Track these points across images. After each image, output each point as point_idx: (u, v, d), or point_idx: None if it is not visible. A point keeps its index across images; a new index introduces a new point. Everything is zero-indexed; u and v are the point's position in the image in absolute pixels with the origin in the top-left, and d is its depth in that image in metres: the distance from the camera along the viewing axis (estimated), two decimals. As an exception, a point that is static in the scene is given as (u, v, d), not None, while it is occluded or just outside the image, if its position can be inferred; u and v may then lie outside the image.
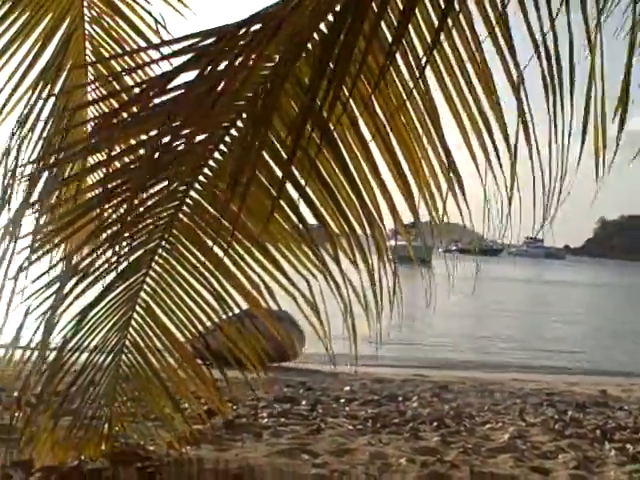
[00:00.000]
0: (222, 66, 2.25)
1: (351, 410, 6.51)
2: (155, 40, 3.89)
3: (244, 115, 2.75)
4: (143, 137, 2.68)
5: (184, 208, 3.18)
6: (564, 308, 26.40)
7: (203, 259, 3.33)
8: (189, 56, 2.26)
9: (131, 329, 3.57)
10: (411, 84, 2.53)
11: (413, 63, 2.52)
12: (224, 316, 3.52)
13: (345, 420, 5.96)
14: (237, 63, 2.20)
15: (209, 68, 2.17)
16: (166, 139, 2.52)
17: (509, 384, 9.79)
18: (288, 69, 2.11)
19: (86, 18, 3.95)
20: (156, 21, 3.88)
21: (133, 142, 2.70)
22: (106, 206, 2.86)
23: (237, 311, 3.51)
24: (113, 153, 2.77)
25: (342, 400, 7.02)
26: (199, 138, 2.73)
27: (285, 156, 2.85)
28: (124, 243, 3.12)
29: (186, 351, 3.70)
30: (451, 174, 2.64)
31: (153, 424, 3.98)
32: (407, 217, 2.91)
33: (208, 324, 3.57)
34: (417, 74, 2.50)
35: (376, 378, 9.01)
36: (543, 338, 17.43)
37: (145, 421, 3.97)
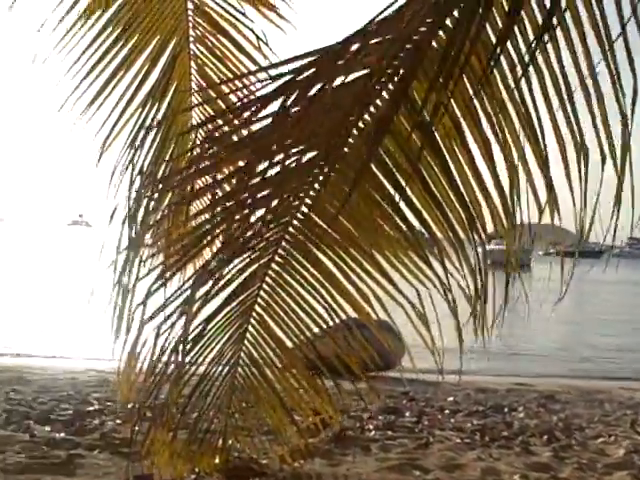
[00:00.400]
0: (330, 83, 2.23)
1: (457, 422, 6.39)
2: (257, 55, 3.95)
3: (354, 131, 2.73)
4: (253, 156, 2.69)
5: (295, 222, 3.19)
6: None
7: (314, 271, 3.34)
8: (291, 75, 2.27)
9: (246, 342, 3.60)
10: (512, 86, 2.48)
11: (517, 63, 2.45)
12: (332, 325, 3.52)
13: (452, 433, 5.85)
14: (345, 80, 2.19)
15: (317, 86, 2.17)
16: (278, 157, 2.53)
17: (617, 393, 9.45)
18: (406, 85, 2.07)
19: (191, 38, 4.05)
20: (257, 37, 3.94)
21: (244, 162, 2.72)
22: (223, 223, 2.91)
23: (342, 319, 3.52)
24: (226, 172, 2.80)
25: (447, 411, 6.90)
26: (309, 155, 2.73)
27: (390, 164, 2.83)
28: (239, 259, 3.17)
29: (299, 363, 3.71)
30: (548, 175, 2.56)
31: (267, 438, 4.00)
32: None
33: (317, 333, 3.60)
34: (518, 76, 2.45)
35: (479, 388, 8.84)
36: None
37: (260, 435, 3.98)
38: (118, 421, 5.29)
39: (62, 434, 5.02)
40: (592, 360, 14.44)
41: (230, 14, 3.96)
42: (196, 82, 4.15)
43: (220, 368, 3.60)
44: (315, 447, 4.25)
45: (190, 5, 3.97)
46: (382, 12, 2.19)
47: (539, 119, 2.51)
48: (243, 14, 3.92)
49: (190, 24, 3.99)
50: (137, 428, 3.47)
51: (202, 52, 4.08)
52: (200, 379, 3.55)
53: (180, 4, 3.95)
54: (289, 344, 3.63)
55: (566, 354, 14.81)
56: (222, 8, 3.96)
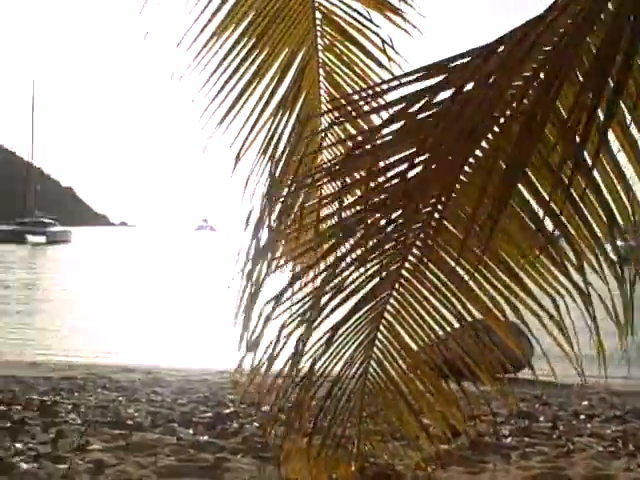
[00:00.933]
0: (469, 87, 2.20)
1: (594, 428, 6.17)
2: (383, 59, 3.96)
3: (489, 136, 2.68)
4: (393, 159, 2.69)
5: (427, 228, 3.16)
6: None
7: (444, 278, 3.31)
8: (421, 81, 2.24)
9: (375, 348, 3.60)
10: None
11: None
12: (459, 328, 3.48)
13: (592, 440, 5.65)
14: (487, 85, 2.15)
15: (457, 91, 2.14)
16: (412, 161, 2.51)
17: None
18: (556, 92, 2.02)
19: (319, 47, 4.09)
20: (383, 42, 3.94)
21: (375, 167, 2.71)
22: (353, 227, 2.92)
23: (470, 321, 3.49)
24: (356, 177, 2.81)
25: (582, 416, 6.68)
26: (443, 160, 2.70)
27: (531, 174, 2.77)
28: (369, 265, 3.17)
29: (427, 367, 3.68)
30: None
31: (400, 443, 3.97)
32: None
33: (444, 336, 3.56)
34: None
35: (614, 391, 8.50)
36: None
37: (392, 440, 3.97)
38: (256, 424, 5.41)
39: (205, 437, 5.18)
40: None
41: (357, 20, 3.99)
42: (325, 89, 4.22)
43: (351, 372, 3.61)
44: (450, 454, 4.19)
45: (318, 15, 4.02)
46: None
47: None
48: (369, 20, 3.94)
49: (318, 33, 4.05)
50: (274, 432, 3.52)
51: (330, 59, 4.14)
52: (332, 384, 3.57)
53: (308, 15, 4.02)
54: (416, 349, 3.60)
55: None
56: (349, 15, 4.00)
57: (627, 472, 4.70)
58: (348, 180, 3.03)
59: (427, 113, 2.47)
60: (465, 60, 2.35)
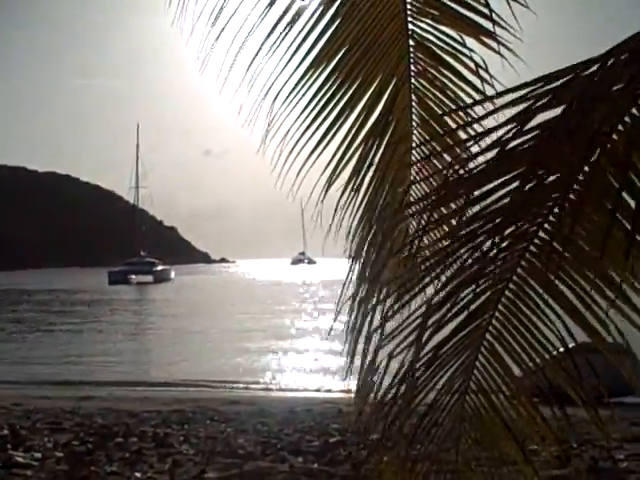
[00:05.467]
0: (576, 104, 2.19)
1: None
2: (477, 83, 3.98)
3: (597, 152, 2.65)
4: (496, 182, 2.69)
5: (532, 248, 3.13)
6: None
7: (547, 298, 3.25)
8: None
9: (475, 371, 3.56)
10: None
11: None
12: (562, 351, 3.41)
13: None
14: (596, 97, 2.14)
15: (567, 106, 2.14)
16: (515, 183, 2.52)
17: None
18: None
19: (412, 73, 4.13)
20: (477, 65, 3.96)
21: (488, 187, 2.72)
22: (457, 250, 2.93)
23: (572, 344, 3.39)
24: (459, 203, 2.83)
25: (701, 439, 6.38)
26: (551, 178, 2.69)
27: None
28: (473, 286, 3.16)
29: (527, 391, 3.60)
30: None
31: (507, 469, 3.91)
32: None
33: (547, 358, 3.47)
34: None
35: None
36: None
37: (499, 466, 3.91)
38: (363, 452, 5.43)
39: (316, 465, 5.23)
40: None
41: (450, 45, 4.02)
42: (417, 114, 4.25)
43: (449, 397, 3.57)
44: (566, 478, 4.09)
45: (412, 42, 4.07)
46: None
47: None
48: (463, 44, 3.97)
49: (411, 60, 4.10)
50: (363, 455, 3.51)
51: (423, 84, 4.18)
52: (428, 408, 3.54)
53: (401, 43, 4.07)
54: (518, 372, 3.53)
55: None
56: (442, 41, 4.03)
57: None
58: (452, 205, 3.04)
59: (528, 136, 2.46)
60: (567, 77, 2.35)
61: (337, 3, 3.95)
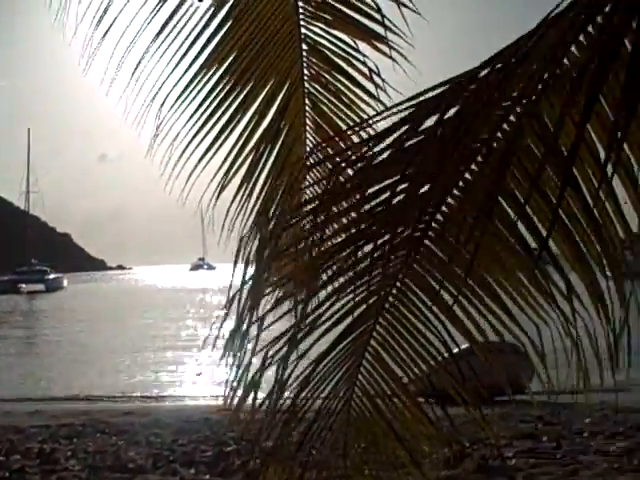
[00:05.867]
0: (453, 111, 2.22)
1: (598, 445, 6.14)
2: (371, 88, 4.00)
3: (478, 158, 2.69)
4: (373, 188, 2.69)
5: (414, 254, 3.15)
6: None
7: (430, 304, 3.28)
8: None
9: (360, 376, 3.55)
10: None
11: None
12: (446, 354, 3.45)
13: (597, 457, 5.62)
14: (471, 107, 2.17)
15: (441, 115, 2.16)
16: (397, 188, 2.52)
17: None
18: (532, 108, 2.04)
19: (305, 77, 4.11)
20: (370, 70, 3.98)
21: (360, 195, 2.72)
22: (337, 255, 2.91)
23: (463, 347, 3.43)
24: (345, 205, 2.81)
25: (585, 434, 6.64)
26: (429, 185, 2.70)
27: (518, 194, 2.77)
28: (355, 293, 3.15)
29: (416, 395, 3.63)
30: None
31: (397, 472, 3.92)
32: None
33: (432, 364, 3.50)
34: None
35: (615, 408, 8.47)
36: None
37: (389, 469, 3.91)
38: (258, 461, 5.36)
39: (208, 476, 5.13)
40: None
41: (343, 50, 4.02)
42: (310, 118, 4.23)
43: (335, 403, 3.56)
44: (456, 478, 4.15)
45: (304, 46, 4.05)
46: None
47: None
48: (356, 49, 3.97)
49: (304, 64, 4.08)
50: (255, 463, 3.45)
51: (316, 89, 4.17)
52: (316, 414, 3.52)
53: (294, 47, 4.04)
54: (405, 378, 3.54)
55: None
56: (335, 45, 4.03)
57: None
58: (334, 209, 3.02)
59: (413, 141, 2.47)
60: (447, 87, 2.37)
61: (228, 5, 3.88)
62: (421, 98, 2.44)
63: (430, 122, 2.40)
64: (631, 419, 7.62)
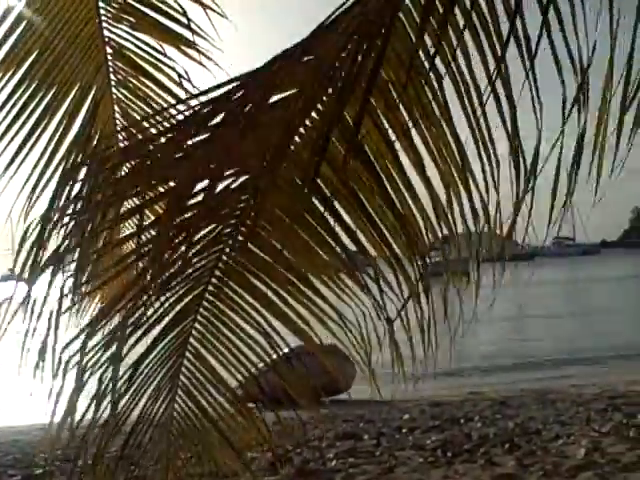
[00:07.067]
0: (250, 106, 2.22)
1: (416, 439, 6.38)
2: (181, 94, 3.90)
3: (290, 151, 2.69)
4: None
5: (229, 250, 3.12)
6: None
7: (250, 299, 3.26)
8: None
9: (182, 377, 3.48)
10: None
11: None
12: (274, 356, 3.43)
13: (413, 452, 5.82)
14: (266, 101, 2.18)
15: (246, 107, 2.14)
16: (208, 183, 2.47)
17: (567, 391, 9.60)
18: (310, 103, 2.08)
19: (112, 83, 3.96)
20: (179, 76, 3.89)
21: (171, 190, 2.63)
22: (149, 254, 2.82)
23: (286, 350, 3.45)
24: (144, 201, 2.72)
25: (404, 430, 6.88)
26: (241, 180, 2.67)
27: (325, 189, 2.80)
28: (172, 291, 3.07)
29: (240, 396, 3.60)
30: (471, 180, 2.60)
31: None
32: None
33: (260, 365, 3.49)
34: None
35: (433, 402, 8.87)
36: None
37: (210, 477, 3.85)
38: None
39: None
40: (537, 361, 14.67)
41: (151, 55, 3.90)
42: (121, 125, 4.08)
43: (156, 407, 3.45)
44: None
45: (109, 50, 3.88)
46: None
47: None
48: (164, 54, 3.86)
49: (111, 69, 3.91)
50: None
51: (125, 95, 4.02)
52: (135, 425, 3.39)
53: (99, 50, 3.86)
54: (226, 376, 3.51)
55: (514, 358, 15.01)
56: (142, 50, 3.89)
57: (446, 480, 4.88)
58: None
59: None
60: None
61: (22, 3, 3.64)
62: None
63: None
64: (447, 412, 7.97)
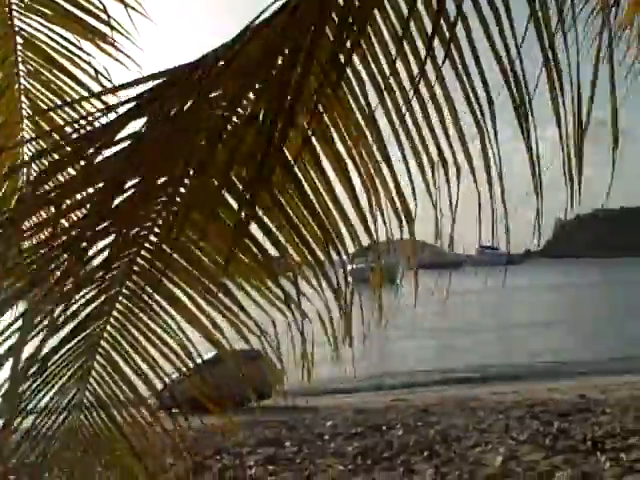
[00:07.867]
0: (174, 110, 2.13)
1: (337, 446, 6.32)
2: (97, 89, 3.76)
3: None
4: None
5: (144, 253, 3.01)
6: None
7: (164, 304, 3.16)
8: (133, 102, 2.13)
9: (91, 379, 3.33)
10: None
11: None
12: (191, 364, 3.32)
13: (334, 460, 5.77)
14: (189, 106, 2.09)
15: (159, 113, 2.05)
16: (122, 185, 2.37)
17: (488, 399, 9.72)
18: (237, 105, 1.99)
19: (21, 73, 3.78)
20: (96, 72, 3.75)
21: (83, 194, 2.51)
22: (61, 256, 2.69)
23: (206, 357, 3.33)
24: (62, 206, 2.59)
25: (326, 436, 6.83)
26: (159, 182, 2.57)
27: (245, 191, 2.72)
28: (84, 292, 2.94)
29: (149, 403, 3.47)
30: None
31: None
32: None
33: (175, 374, 3.37)
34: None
35: (357, 408, 8.87)
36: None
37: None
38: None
39: None
40: (462, 368, 14.85)
41: (66, 48, 3.74)
42: (30, 118, 3.91)
43: (58, 414, 3.30)
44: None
45: (19, 39, 3.71)
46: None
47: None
48: (80, 48, 3.71)
49: (19, 58, 3.74)
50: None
51: (34, 86, 3.85)
52: (31, 428, 3.24)
53: (8, 39, 3.68)
54: (139, 383, 3.38)
55: (438, 365, 15.16)
56: (57, 42, 3.73)
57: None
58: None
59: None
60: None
61: None
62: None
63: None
64: (370, 419, 7.95)
